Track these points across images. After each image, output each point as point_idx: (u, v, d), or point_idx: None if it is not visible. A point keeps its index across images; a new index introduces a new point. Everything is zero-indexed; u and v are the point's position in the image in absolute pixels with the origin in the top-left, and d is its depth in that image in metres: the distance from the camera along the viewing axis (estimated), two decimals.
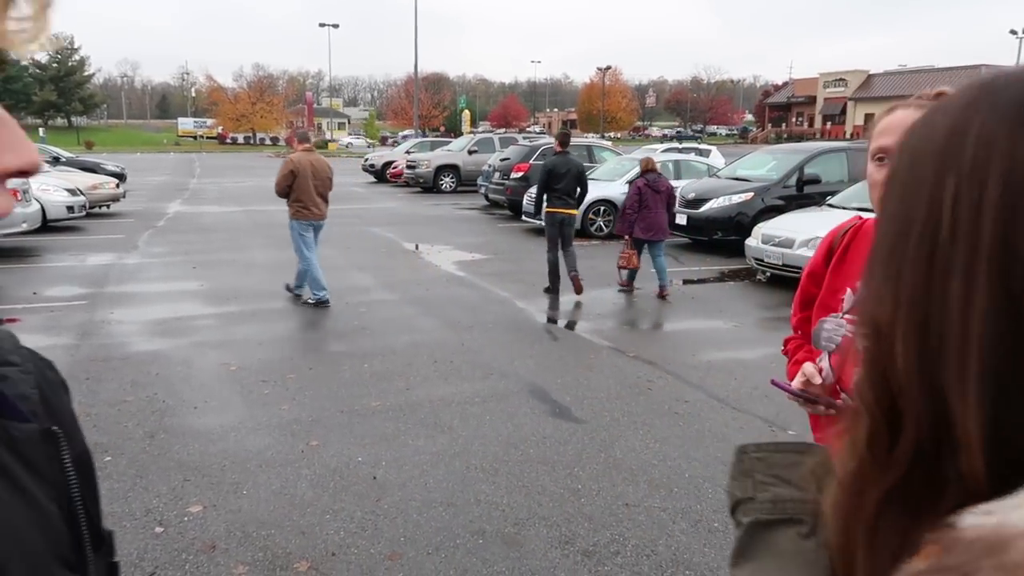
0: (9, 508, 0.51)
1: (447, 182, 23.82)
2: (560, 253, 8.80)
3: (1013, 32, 53.60)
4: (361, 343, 6.73)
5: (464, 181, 23.49)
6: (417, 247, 12.68)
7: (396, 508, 3.72)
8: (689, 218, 12.44)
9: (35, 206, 12.09)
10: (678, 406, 5.19)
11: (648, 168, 9.08)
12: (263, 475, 4.02)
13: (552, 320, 7.79)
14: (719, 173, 14.24)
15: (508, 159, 18.04)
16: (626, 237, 9.11)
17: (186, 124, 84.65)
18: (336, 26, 67.76)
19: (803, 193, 12.04)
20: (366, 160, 30.48)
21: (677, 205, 12.62)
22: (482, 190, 19.35)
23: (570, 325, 7.57)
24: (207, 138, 77.37)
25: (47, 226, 13.07)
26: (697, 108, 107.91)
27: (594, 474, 4.10)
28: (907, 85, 66.39)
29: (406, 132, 65.77)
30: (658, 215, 8.93)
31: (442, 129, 77.01)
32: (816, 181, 12.14)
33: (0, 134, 0.47)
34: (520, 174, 16.56)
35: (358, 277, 9.84)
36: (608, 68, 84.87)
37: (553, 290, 8.88)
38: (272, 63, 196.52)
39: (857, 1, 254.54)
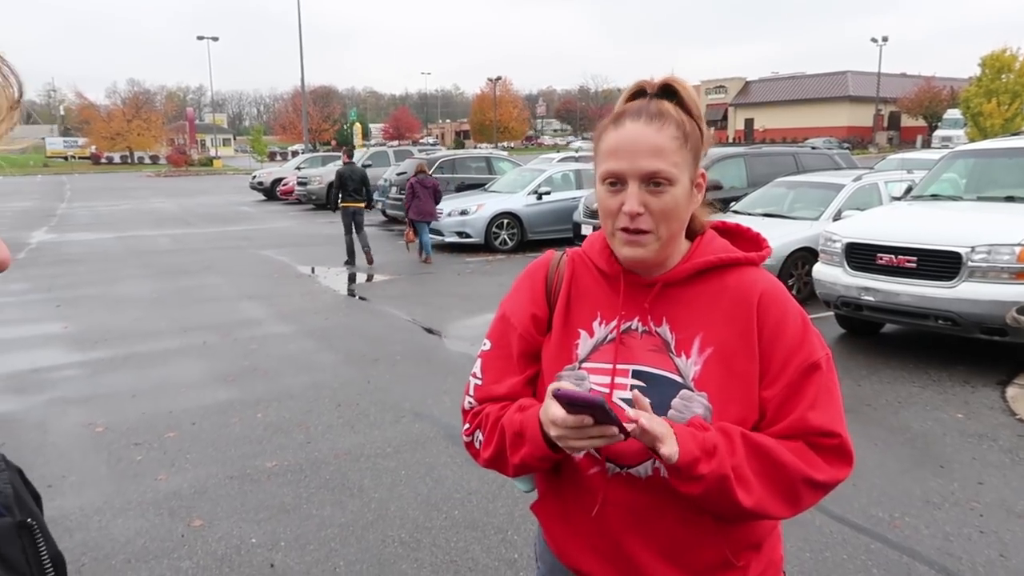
0: None
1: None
2: (355, 236, 12.10)
3: (874, 40, 56.90)
4: (253, 387, 5.98)
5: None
6: (313, 270, 11.87)
7: None
8: (595, 228, 12.15)
9: None
10: None
11: (420, 170, 12.64)
12: (131, 574, 3.29)
13: (463, 346, 7.23)
14: None
15: (404, 173, 17.37)
16: (407, 220, 12.50)
17: (55, 144, 79.08)
18: (216, 39, 64.86)
19: (705, 200, 11.97)
20: (254, 177, 29.01)
21: (582, 215, 12.52)
22: (379, 205, 18.58)
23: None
24: (79, 158, 72.48)
25: None
26: (586, 116, 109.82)
27: (530, 538, 3.58)
28: (782, 91, 69.77)
29: (295, 147, 63.81)
30: (426, 203, 12.30)
31: (333, 143, 75.13)
32: (717, 187, 12.10)
33: None
34: None
35: (248, 308, 9.00)
36: (499, 79, 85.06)
37: (351, 263, 12.04)
38: (148, 78, 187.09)
39: (732, 12, 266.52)
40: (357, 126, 59.61)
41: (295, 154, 47.20)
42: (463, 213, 13.58)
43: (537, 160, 22.81)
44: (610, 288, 1.31)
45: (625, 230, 1.22)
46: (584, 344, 1.30)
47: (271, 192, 26.57)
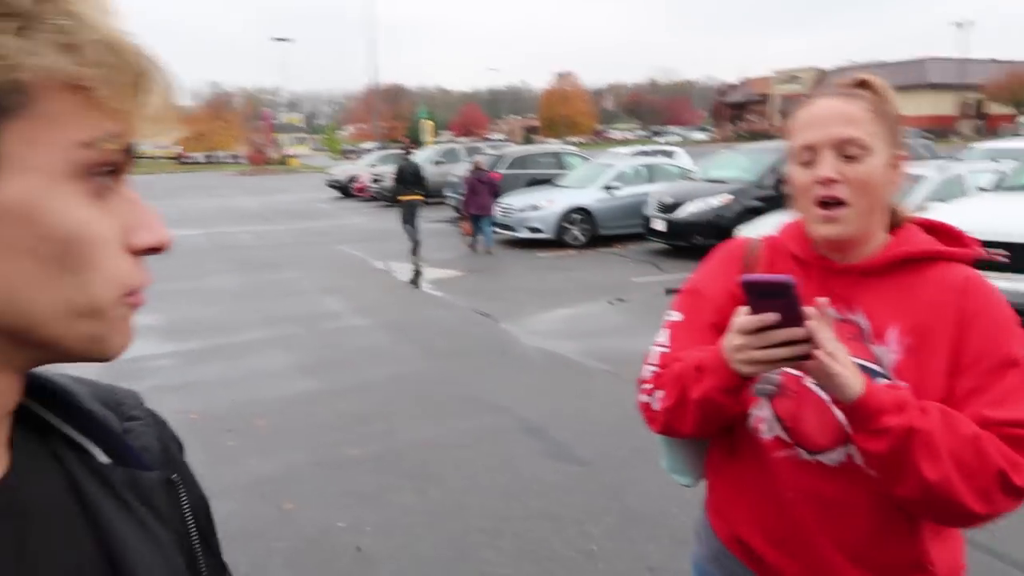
0: (141, 547, 0.57)
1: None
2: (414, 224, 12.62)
3: (958, 24, 54.49)
4: (335, 378, 6.19)
5: (431, 193, 22.88)
6: (388, 264, 12.14)
7: None
8: (668, 223, 12.07)
9: None
10: None
11: (477, 167, 13.57)
12: (228, 553, 3.46)
13: (538, 340, 7.31)
14: (692, 175, 13.93)
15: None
16: (464, 213, 13.44)
17: (142, 144, 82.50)
18: (291, 40, 66.70)
19: (781, 193, 11.76)
20: (330, 175, 29.75)
21: (653, 210, 12.43)
22: (451, 201, 18.84)
23: (558, 345, 7.10)
24: (167, 159, 75.55)
25: None
26: (655, 110, 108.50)
27: (608, 530, 3.63)
28: None
29: (367, 145, 64.94)
30: (484, 198, 12.95)
31: (404, 140, 76.14)
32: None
33: (134, 213, 0.53)
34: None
35: (328, 301, 9.28)
36: (566, 73, 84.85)
37: (416, 251, 12.35)
38: (226, 80, 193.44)
39: (802, 1, 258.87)
40: (427, 123, 60.34)
41: (367, 152, 48.10)
42: (534, 208, 13.65)
43: (607, 153, 22.71)
44: (804, 274, 1.27)
45: (821, 204, 1.20)
46: None
47: (346, 189, 27.18)
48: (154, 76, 0.52)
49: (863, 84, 1.27)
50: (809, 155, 1.21)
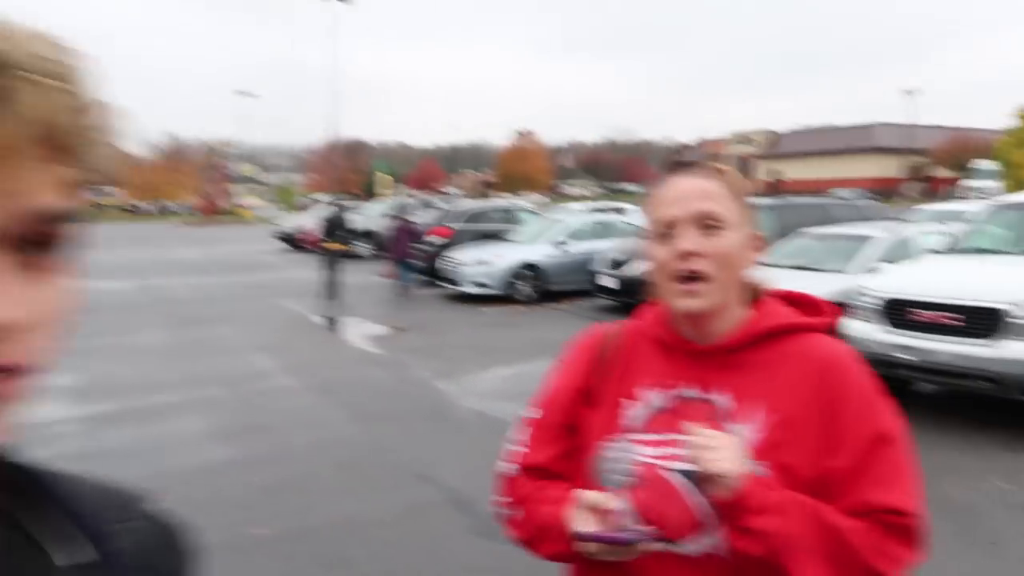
0: None
1: (363, 248, 22.84)
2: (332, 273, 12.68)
3: (906, 92, 56.77)
4: (252, 445, 5.72)
5: (381, 246, 22.57)
6: (329, 320, 11.69)
7: None
8: (618, 280, 11.86)
9: None
10: None
11: (401, 216, 14.98)
12: None
13: (476, 402, 6.93)
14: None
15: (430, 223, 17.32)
16: (391, 259, 14.37)
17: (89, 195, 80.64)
18: (254, 95, 66.50)
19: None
20: (277, 226, 29.23)
21: (603, 267, 12.26)
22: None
23: (497, 407, 6.72)
24: (117, 209, 73.74)
25: None
26: (612, 168, 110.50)
27: None
28: (812, 142, 69.58)
29: (319, 196, 64.61)
30: (403, 244, 14.13)
31: (359, 193, 76.03)
32: None
33: None
34: (439, 239, 15.81)
35: (257, 360, 8.79)
36: (527, 132, 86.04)
37: (329, 297, 12.33)
38: (184, 130, 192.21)
39: (758, 66, 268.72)
40: (385, 177, 60.32)
41: (320, 203, 47.63)
42: (481, 263, 13.39)
43: (559, 210, 22.71)
44: (665, 356, 1.28)
45: (679, 278, 1.18)
46: (634, 414, 1.25)
47: (294, 241, 26.68)
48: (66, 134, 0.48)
49: (717, 169, 1.29)
50: (668, 231, 1.20)
